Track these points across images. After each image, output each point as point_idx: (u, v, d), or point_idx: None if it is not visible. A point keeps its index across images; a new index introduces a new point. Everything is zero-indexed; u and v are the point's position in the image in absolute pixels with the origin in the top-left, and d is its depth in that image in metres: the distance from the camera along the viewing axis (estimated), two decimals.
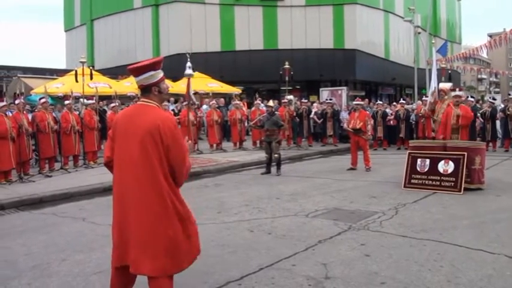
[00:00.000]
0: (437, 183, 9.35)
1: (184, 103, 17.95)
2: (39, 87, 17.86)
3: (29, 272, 5.37)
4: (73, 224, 7.58)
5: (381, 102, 20.62)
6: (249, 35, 33.13)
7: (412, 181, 9.64)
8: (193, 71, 24.33)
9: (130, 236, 3.75)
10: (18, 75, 22.68)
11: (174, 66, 21.88)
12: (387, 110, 18.94)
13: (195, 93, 22.14)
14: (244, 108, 19.70)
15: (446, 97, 11.39)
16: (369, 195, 9.02)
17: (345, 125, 13.32)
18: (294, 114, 18.17)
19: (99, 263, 5.45)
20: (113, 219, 3.91)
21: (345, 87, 25.31)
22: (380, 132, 18.17)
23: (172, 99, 19.65)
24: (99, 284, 4.83)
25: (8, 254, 6.10)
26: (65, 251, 6.07)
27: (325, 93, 24.34)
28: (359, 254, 5.56)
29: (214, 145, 17.50)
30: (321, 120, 18.95)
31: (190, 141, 4.19)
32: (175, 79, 21.03)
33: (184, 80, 22.45)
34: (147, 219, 3.72)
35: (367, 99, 22.91)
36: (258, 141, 17.73)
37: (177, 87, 20.47)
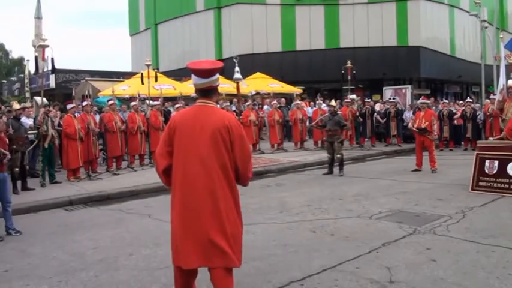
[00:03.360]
0: (506, 186, 8.89)
1: (247, 103, 18.09)
2: (107, 89, 18.55)
3: (97, 265, 5.59)
4: (139, 220, 7.83)
5: (446, 101, 19.92)
6: (310, 34, 32.92)
7: (480, 183, 9.23)
8: (254, 72, 24.56)
9: (201, 231, 3.81)
10: (86, 78, 23.63)
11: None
12: (453, 109, 18.27)
13: (257, 94, 22.28)
14: (306, 108, 19.61)
15: None
16: (434, 198, 8.73)
17: (410, 125, 12.96)
18: (357, 113, 17.90)
19: (165, 259, 5.58)
20: (176, 219, 3.94)
21: (409, 86, 24.65)
22: (446, 132, 17.56)
23: (235, 100, 19.85)
24: (165, 279, 4.95)
25: (76, 247, 6.39)
26: (132, 246, 6.28)
27: (388, 92, 23.83)
28: (424, 258, 5.40)
29: (276, 145, 17.52)
30: (385, 119, 18.56)
31: None
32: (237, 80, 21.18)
33: (246, 81, 22.71)
34: (221, 213, 3.81)
35: (432, 98, 22.17)
36: (319, 141, 17.60)
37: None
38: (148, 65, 14.51)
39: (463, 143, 17.63)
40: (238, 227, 3.97)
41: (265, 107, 20.62)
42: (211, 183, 3.81)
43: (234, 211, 3.93)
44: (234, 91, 18.50)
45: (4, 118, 10.88)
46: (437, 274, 4.90)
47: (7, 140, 7.85)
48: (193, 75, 4.02)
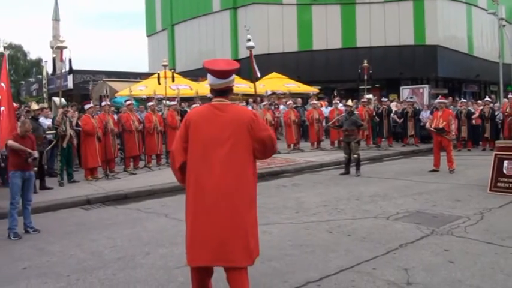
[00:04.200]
0: None
1: (263, 103, 18.07)
2: (124, 90, 18.69)
3: (114, 263, 5.64)
4: (156, 220, 7.88)
5: (465, 101, 19.67)
6: (327, 33, 32.81)
7: (498, 184, 9.09)
8: (270, 72, 24.54)
9: (212, 231, 3.82)
10: (103, 79, 23.82)
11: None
12: (471, 109, 18.05)
13: (273, 94, 22.25)
14: (322, 108, 19.54)
15: None
16: (452, 199, 8.64)
17: (427, 125, 12.84)
18: (374, 113, 17.78)
19: (182, 258, 5.57)
20: (189, 217, 3.97)
21: (427, 85, 24.42)
22: (464, 132, 17.34)
23: (250, 100, 19.88)
24: (182, 278, 4.97)
25: (94, 246, 6.46)
26: (149, 245, 6.32)
27: (405, 91, 23.63)
28: (442, 260, 5.35)
29: (292, 145, 17.49)
30: (402, 119, 18.40)
31: None
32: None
33: (262, 81, 22.73)
34: (234, 214, 3.83)
35: (450, 97, 21.94)
36: (336, 141, 17.53)
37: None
38: (165, 66, 14.59)
39: (481, 143, 17.41)
40: (254, 226, 3.98)
41: (281, 106, 20.61)
42: (227, 182, 3.81)
43: (249, 209, 3.92)
44: (251, 91, 18.55)
45: (22, 118, 11.04)
46: (455, 276, 4.85)
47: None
48: (209, 75, 4.00)
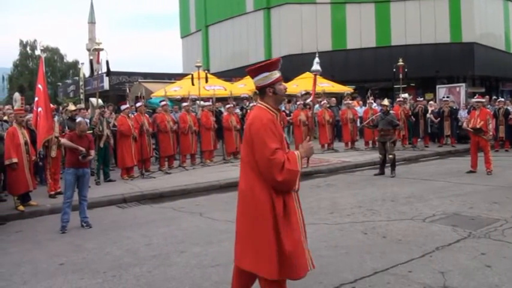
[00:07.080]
0: None
1: (299, 103, 18.01)
2: (159, 91, 18.97)
3: (149, 261, 5.75)
4: (191, 219, 7.98)
5: (502, 100, 19.10)
6: (361, 32, 32.46)
7: None
8: (304, 72, 24.48)
9: (238, 232, 3.89)
10: (139, 80, 24.17)
11: (285, 67, 22.02)
12: (509, 108, 17.54)
13: (307, 93, 22.15)
14: (357, 108, 19.34)
15: None
16: (490, 201, 8.43)
17: (464, 125, 12.55)
18: (410, 113, 17.50)
19: (216, 257, 5.67)
20: None
21: (463, 84, 23.88)
22: (502, 132, 16.87)
23: (285, 99, 19.84)
24: (216, 276, 5.02)
25: (130, 243, 6.60)
26: (183, 244, 6.42)
27: (442, 90, 23.16)
28: (479, 264, 5.24)
29: (326, 145, 17.38)
30: (438, 119, 18.05)
31: (311, 142, 4.16)
32: (286, 80, 21.19)
33: (295, 81, 22.70)
34: (247, 217, 3.81)
35: (487, 96, 21.37)
36: (370, 142, 17.34)
37: (288, 87, 20.60)
38: (198, 67, 14.70)
39: None
40: (266, 233, 3.66)
41: (315, 106, 20.47)
42: (244, 184, 3.82)
43: (260, 220, 3.69)
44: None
45: (56, 117, 11.36)
46: (492, 281, 4.75)
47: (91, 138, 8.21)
48: None
